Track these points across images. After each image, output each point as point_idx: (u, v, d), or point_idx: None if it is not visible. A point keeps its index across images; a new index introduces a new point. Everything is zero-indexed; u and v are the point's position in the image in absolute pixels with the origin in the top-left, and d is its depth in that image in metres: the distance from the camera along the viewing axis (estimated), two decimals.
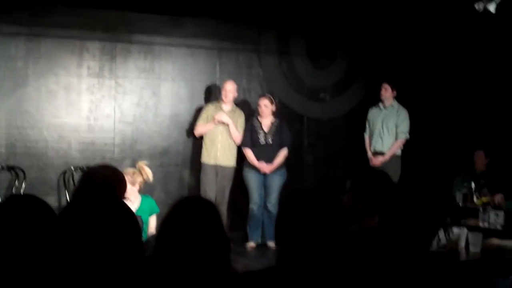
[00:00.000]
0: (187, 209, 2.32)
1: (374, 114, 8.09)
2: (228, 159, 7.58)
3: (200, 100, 8.03)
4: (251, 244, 7.55)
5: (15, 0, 7.15)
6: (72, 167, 7.33)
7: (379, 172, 3.66)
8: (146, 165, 5.58)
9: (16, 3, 7.17)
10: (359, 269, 2.93)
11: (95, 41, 7.58)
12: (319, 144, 8.63)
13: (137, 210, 5.22)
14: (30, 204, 2.14)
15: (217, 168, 7.54)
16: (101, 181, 2.61)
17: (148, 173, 5.53)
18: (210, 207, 2.61)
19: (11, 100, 7.19)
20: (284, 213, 2.14)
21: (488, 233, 5.45)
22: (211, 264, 2.42)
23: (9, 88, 7.19)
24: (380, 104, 8.05)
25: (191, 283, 2.25)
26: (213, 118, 7.54)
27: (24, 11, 7.21)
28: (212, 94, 8.05)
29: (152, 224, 5.36)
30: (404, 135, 7.88)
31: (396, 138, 7.88)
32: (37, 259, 1.98)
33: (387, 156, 7.82)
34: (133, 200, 5.26)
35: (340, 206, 2.14)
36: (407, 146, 7.94)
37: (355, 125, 8.50)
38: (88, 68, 7.54)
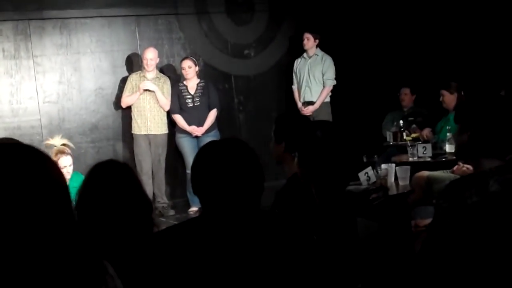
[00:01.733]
0: (101, 173, 2.30)
1: (300, 65, 8.15)
2: (159, 127, 7.52)
3: (123, 70, 7.89)
4: (193, 209, 7.56)
5: None
6: None
7: (299, 116, 3.71)
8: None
9: None
10: (283, 214, 2.98)
11: (7, 21, 7.32)
12: (250, 101, 8.64)
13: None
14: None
15: (149, 137, 7.48)
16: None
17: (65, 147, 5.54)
18: (124, 169, 2.61)
19: None
20: (199, 163, 2.14)
21: (418, 166, 5.62)
22: (132, 224, 2.42)
23: None
24: (305, 54, 8.10)
25: (115, 244, 2.25)
26: (138, 88, 7.45)
27: None
28: (134, 63, 7.92)
29: None
30: (331, 81, 7.97)
31: (324, 86, 7.96)
32: None
33: (316, 105, 7.91)
34: None
35: (253, 152, 2.14)
36: (335, 92, 8.04)
37: (283, 78, 8.55)
38: (3, 50, 7.30)
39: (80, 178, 5.40)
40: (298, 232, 2.20)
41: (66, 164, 5.64)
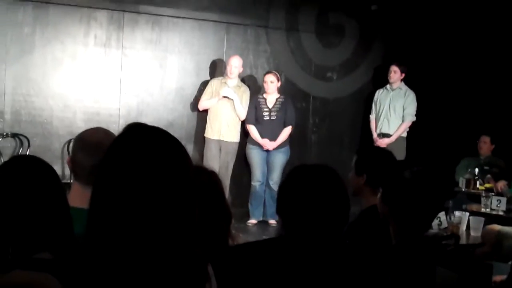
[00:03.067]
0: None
1: (381, 96, 8.08)
2: (232, 135, 7.56)
3: (206, 74, 7.99)
4: (252, 221, 7.56)
5: None
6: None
7: (383, 150, 3.67)
8: None
9: None
10: (358, 248, 2.94)
11: (103, 10, 7.52)
12: (324, 124, 8.61)
13: None
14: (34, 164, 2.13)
15: (220, 143, 7.53)
16: (94, 145, 2.57)
17: None
18: (212, 175, 2.58)
19: (17, 66, 7.15)
20: (288, 185, 2.14)
21: (490, 219, 5.45)
22: (210, 233, 2.40)
23: (15, 54, 7.14)
24: (388, 86, 8.03)
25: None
26: (218, 93, 7.51)
27: None
28: (218, 69, 8.01)
29: None
30: (411, 117, 7.88)
31: (403, 121, 7.87)
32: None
33: (393, 138, 7.84)
34: None
35: (342, 183, 2.15)
36: (412, 128, 7.93)
37: (361, 106, 8.48)
38: (95, 37, 7.49)
39: None
40: (373, 268, 2.18)
41: None
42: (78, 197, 2.45)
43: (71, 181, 2.70)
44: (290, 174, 2.20)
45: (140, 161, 1.44)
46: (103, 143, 2.56)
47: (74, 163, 2.56)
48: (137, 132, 1.50)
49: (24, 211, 2.04)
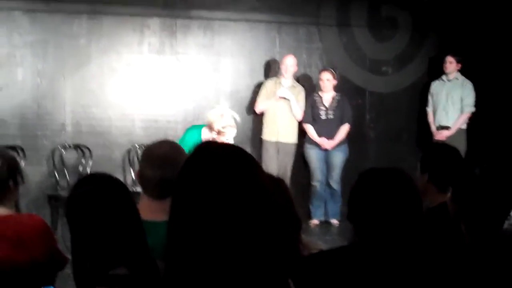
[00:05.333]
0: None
1: (437, 88, 7.93)
2: (289, 136, 7.53)
3: (260, 75, 7.99)
4: (314, 222, 7.53)
5: None
6: (136, 145, 7.41)
7: (448, 147, 3.59)
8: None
9: None
10: (431, 249, 2.88)
11: (155, 17, 7.59)
12: (381, 119, 8.49)
13: None
14: (105, 182, 2.18)
15: (278, 145, 7.50)
16: (161, 158, 2.60)
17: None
18: (280, 182, 2.57)
19: (75, 78, 7.29)
20: (359, 191, 2.14)
21: None
22: (279, 240, 2.39)
23: (72, 66, 7.29)
24: (444, 77, 7.88)
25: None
26: (274, 94, 7.48)
27: None
28: (272, 69, 7.99)
29: None
30: (470, 108, 7.72)
31: (462, 112, 7.71)
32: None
33: (452, 130, 7.69)
34: None
35: (414, 185, 2.13)
36: (472, 120, 7.75)
37: (418, 99, 8.33)
38: (149, 44, 7.57)
39: None
40: (450, 268, 2.16)
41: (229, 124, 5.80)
42: (148, 210, 2.47)
43: (135, 189, 2.75)
44: (360, 179, 2.18)
45: (214, 179, 1.50)
46: (169, 156, 2.59)
47: (142, 177, 2.59)
48: (209, 151, 1.56)
49: (100, 228, 2.07)
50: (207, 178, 1.50)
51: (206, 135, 5.82)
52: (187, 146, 5.72)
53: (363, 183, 2.16)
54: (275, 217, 2.10)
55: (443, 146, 3.76)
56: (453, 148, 3.48)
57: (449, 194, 2.94)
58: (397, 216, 2.05)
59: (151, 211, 2.50)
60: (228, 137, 5.80)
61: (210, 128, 5.77)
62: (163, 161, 2.55)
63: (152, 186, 2.55)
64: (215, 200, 1.48)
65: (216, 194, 1.48)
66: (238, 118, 6.01)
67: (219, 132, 5.74)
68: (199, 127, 5.95)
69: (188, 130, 6.01)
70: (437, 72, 8.01)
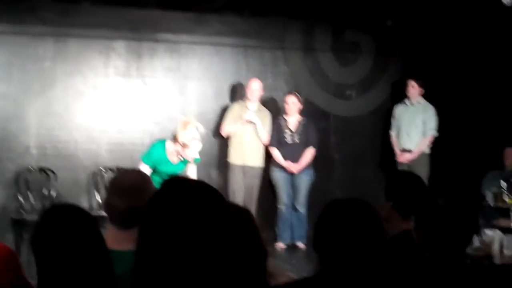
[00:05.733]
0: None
1: (400, 111, 8.06)
2: (255, 159, 7.56)
3: (226, 98, 8.03)
4: (280, 245, 7.54)
5: (42, 1, 7.18)
6: (102, 168, 7.37)
7: (411, 175, 3.66)
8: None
9: (42, 3, 7.20)
10: (397, 275, 2.93)
11: (121, 40, 7.59)
12: (346, 142, 8.58)
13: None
14: (72, 213, 2.19)
15: (245, 168, 7.52)
16: (128, 188, 2.61)
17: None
18: (244, 211, 2.59)
19: (40, 101, 7.24)
20: (324, 223, 2.20)
21: None
22: (244, 272, 2.41)
23: (37, 89, 7.23)
24: (407, 101, 8.01)
25: None
26: (240, 118, 7.52)
27: (51, 11, 7.25)
28: (238, 93, 8.04)
29: None
30: (432, 132, 7.85)
31: (424, 136, 7.83)
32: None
33: (415, 154, 7.79)
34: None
35: (377, 215, 2.20)
36: (435, 143, 7.89)
37: (382, 123, 8.45)
38: (115, 67, 7.56)
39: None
40: None
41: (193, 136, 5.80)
42: (115, 240, 2.48)
43: (100, 213, 2.76)
44: (326, 210, 2.24)
45: (181, 211, 1.57)
46: (136, 186, 2.60)
47: (108, 206, 2.59)
48: (177, 185, 1.64)
49: (66, 258, 2.08)
50: (174, 210, 1.57)
51: (170, 147, 5.83)
52: (152, 159, 5.75)
53: (327, 214, 2.22)
54: (239, 248, 2.15)
55: (407, 173, 3.83)
56: (417, 176, 3.54)
57: (412, 222, 3.01)
58: (361, 246, 2.11)
59: (118, 240, 2.50)
60: (193, 150, 5.81)
61: (175, 140, 5.78)
62: (130, 191, 2.56)
63: (119, 216, 2.55)
64: (182, 232, 1.54)
65: (183, 226, 1.55)
66: (203, 130, 6.03)
67: (183, 145, 5.74)
68: (164, 140, 5.97)
69: (153, 144, 6.02)
70: (400, 96, 8.15)
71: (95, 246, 2.14)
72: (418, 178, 3.47)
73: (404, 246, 3.12)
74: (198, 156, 5.97)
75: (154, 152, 5.84)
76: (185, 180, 1.68)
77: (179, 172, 5.93)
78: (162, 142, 5.94)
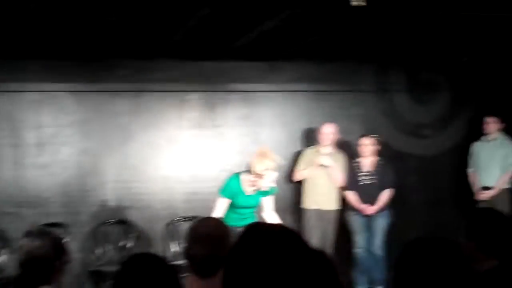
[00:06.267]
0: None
1: (478, 148, 7.89)
2: (330, 203, 7.49)
3: (299, 144, 8.03)
4: None
5: (118, 58, 7.45)
6: (177, 218, 7.47)
7: (493, 212, 3.51)
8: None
9: (119, 62, 7.47)
10: None
11: (194, 92, 7.76)
12: (424, 183, 8.40)
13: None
14: (152, 262, 2.21)
15: (319, 212, 7.46)
16: (207, 236, 2.62)
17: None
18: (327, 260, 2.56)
19: (118, 155, 7.45)
20: (406, 261, 2.11)
21: None
22: None
23: (115, 143, 7.46)
24: (484, 138, 7.82)
25: None
26: (313, 162, 7.49)
27: (126, 69, 7.50)
28: (310, 138, 8.03)
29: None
30: None
31: (504, 171, 7.61)
32: None
33: (495, 190, 7.58)
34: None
35: (463, 254, 2.10)
36: None
37: (460, 161, 8.24)
38: (189, 119, 7.71)
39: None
40: None
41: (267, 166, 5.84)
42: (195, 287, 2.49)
43: (176, 262, 2.77)
44: (407, 249, 2.15)
45: (262, 258, 1.55)
46: (215, 234, 2.62)
47: (188, 255, 2.61)
48: (258, 232, 1.59)
49: None
50: (256, 257, 1.56)
51: (245, 178, 5.85)
52: (228, 192, 5.82)
53: (410, 252, 2.12)
54: None
55: (489, 210, 3.68)
56: (499, 212, 3.40)
57: (496, 260, 2.88)
58: (447, 286, 2.01)
59: None
60: (268, 180, 5.82)
61: (250, 171, 5.81)
62: (209, 239, 2.58)
63: (199, 264, 2.57)
64: (265, 278, 1.53)
65: (266, 272, 1.53)
66: (279, 160, 6.07)
67: (258, 175, 5.76)
68: (239, 173, 6.06)
69: (229, 177, 6.08)
70: (477, 133, 7.95)
71: None
72: (500, 214, 3.33)
73: (490, 284, 2.99)
74: (274, 185, 5.96)
75: (230, 184, 5.94)
76: (265, 225, 1.67)
77: (254, 204, 5.95)
78: (237, 174, 6.05)
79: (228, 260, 1.62)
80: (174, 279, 2.18)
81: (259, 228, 1.64)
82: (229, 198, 5.88)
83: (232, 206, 5.93)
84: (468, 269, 2.08)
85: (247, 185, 5.92)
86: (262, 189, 5.93)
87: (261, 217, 6.17)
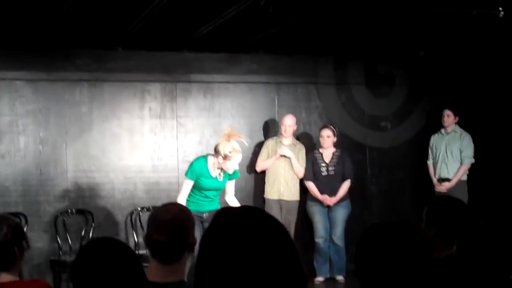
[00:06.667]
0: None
1: (437, 141, 8.01)
2: (291, 193, 7.55)
3: (260, 135, 8.06)
4: (319, 279, 7.47)
5: (77, 47, 7.37)
6: (138, 208, 7.43)
7: (453, 199, 3.58)
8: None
9: (77, 51, 7.39)
10: None
11: (155, 82, 7.72)
12: (383, 174, 8.53)
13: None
14: (113, 246, 2.20)
15: (281, 203, 7.52)
16: (168, 222, 2.62)
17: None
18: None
19: (78, 144, 7.37)
20: (367, 246, 2.12)
21: None
22: None
23: (75, 133, 7.37)
24: (443, 130, 7.96)
25: None
26: (275, 153, 7.55)
27: (86, 58, 7.42)
28: (271, 129, 8.07)
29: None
30: (469, 159, 7.77)
31: (461, 163, 7.75)
32: None
33: (453, 182, 7.72)
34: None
35: (422, 238, 2.13)
36: (472, 171, 7.79)
37: (418, 153, 8.38)
38: (150, 109, 7.67)
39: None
40: None
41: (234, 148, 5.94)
42: (157, 274, 2.49)
43: (138, 252, 2.77)
44: (366, 234, 2.17)
45: (236, 241, 1.50)
46: (177, 220, 2.62)
47: (150, 241, 2.61)
48: (229, 214, 1.58)
49: None
50: (229, 241, 1.51)
51: (211, 161, 5.89)
52: (194, 173, 5.82)
53: (369, 237, 2.14)
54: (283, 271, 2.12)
55: (448, 198, 3.75)
56: (458, 200, 3.47)
57: (455, 247, 2.96)
58: (407, 270, 2.02)
59: (159, 273, 2.52)
60: (234, 162, 5.87)
61: (217, 153, 5.83)
62: (171, 225, 2.58)
63: (161, 250, 2.57)
64: (240, 260, 1.47)
65: (241, 255, 1.49)
66: (246, 143, 6.18)
67: (225, 157, 5.81)
68: (205, 156, 6.11)
69: (194, 160, 6.13)
70: (435, 125, 8.10)
71: (135, 276, 2.15)
72: (459, 202, 3.40)
73: (448, 271, 3.06)
74: (237, 168, 6.04)
75: (196, 165, 5.98)
76: (235, 208, 1.66)
77: (220, 187, 6.00)
78: (203, 156, 6.13)
79: (201, 246, 1.61)
80: (134, 261, 2.18)
81: (229, 211, 1.63)
82: (194, 180, 5.91)
83: (197, 189, 5.96)
84: (427, 254, 2.12)
85: (213, 167, 5.95)
86: (229, 171, 5.96)
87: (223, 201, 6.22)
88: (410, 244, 2.07)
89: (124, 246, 2.27)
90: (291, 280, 1.75)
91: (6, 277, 2.74)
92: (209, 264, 1.53)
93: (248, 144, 7.92)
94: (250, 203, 7.87)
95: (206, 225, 5.80)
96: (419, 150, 8.36)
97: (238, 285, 1.47)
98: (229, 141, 5.89)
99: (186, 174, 6.05)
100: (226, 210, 1.64)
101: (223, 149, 5.85)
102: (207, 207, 6.04)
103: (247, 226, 1.53)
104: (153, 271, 2.46)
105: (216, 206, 6.12)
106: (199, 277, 1.56)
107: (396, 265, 2.02)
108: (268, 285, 1.47)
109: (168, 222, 2.61)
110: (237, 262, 1.47)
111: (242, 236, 1.52)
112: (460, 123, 7.93)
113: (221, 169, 5.98)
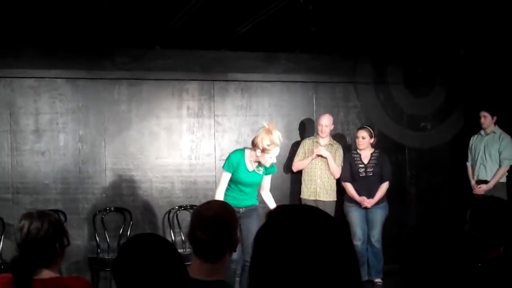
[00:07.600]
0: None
1: (476, 142, 7.88)
2: (328, 194, 7.50)
3: (297, 135, 8.03)
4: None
5: (116, 46, 7.42)
6: (176, 207, 7.46)
7: (497, 201, 3.50)
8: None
9: (117, 50, 7.44)
10: None
11: (193, 81, 7.73)
12: (422, 175, 8.41)
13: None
14: (155, 242, 2.19)
15: (317, 203, 7.44)
16: (212, 220, 2.60)
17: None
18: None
19: (116, 143, 7.42)
20: (413, 246, 2.10)
21: None
22: None
23: (113, 131, 7.43)
24: (482, 131, 7.82)
25: None
26: (311, 153, 7.49)
27: (126, 57, 7.47)
28: (308, 129, 8.02)
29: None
30: (508, 161, 7.63)
31: (500, 165, 7.61)
32: None
33: (490, 184, 7.59)
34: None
35: (467, 238, 2.08)
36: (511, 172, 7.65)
37: (458, 154, 8.24)
38: (188, 108, 7.69)
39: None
40: None
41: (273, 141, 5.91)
42: (198, 271, 2.48)
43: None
44: (414, 233, 2.14)
45: (292, 240, 1.45)
46: (220, 218, 2.60)
47: (193, 239, 2.59)
48: (284, 214, 1.53)
49: (148, 286, 2.07)
50: (288, 240, 1.46)
51: (248, 154, 5.91)
52: (232, 165, 5.81)
53: (417, 236, 2.10)
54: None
55: (493, 199, 3.65)
56: (503, 201, 3.39)
57: (501, 249, 2.89)
58: (454, 271, 2.00)
59: (201, 272, 2.51)
60: (272, 155, 5.84)
61: (255, 146, 5.80)
62: (214, 223, 2.56)
63: (204, 248, 2.55)
64: (297, 261, 1.43)
65: (298, 252, 1.45)
66: (281, 138, 6.12)
67: (263, 150, 5.79)
68: (242, 149, 6.12)
69: (231, 152, 6.13)
70: (476, 126, 7.95)
71: (177, 272, 2.13)
72: (504, 203, 3.32)
73: (496, 273, 2.98)
74: (275, 162, 6.06)
75: (233, 157, 5.99)
76: (292, 206, 1.61)
77: (257, 181, 6.02)
78: (241, 149, 6.13)
79: (258, 243, 1.56)
80: (177, 258, 2.16)
81: (288, 208, 1.58)
82: (231, 172, 5.90)
83: (234, 184, 5.95)
84: (475, 255, 2.08)
85: (250, 161, 5.94)
86: (266, 164, 5.93)
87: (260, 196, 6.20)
88: (458, 245, 2.03)
89: (166, 242, 2.26)
90: (348, 284, 1.69)
91: (47, 274, 2.75)
92: (266, 262, 1.49)
93: (285, 144, 7.93)
94: (286, 203, 7.82)
95: (242, 220, 5.83)
96: (459, 151, 8.22)
97: (294, 285, 1.42)
98: (268, 134, 5.86)
99: (223, 166, 6.05)
100: (285, 208, 1.58)
101: (261, 142, 5.82)
102: (244, 202, 6.03)
103: (309, 224, 1.48)
104: (194, 269, 2.44)
105: (253, 202, 6.12)
106: (255, 274, 1.52)
107: (443, 266, 2.00)
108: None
109: (211, 219, 2.60)
110: (295, 262, 1.43)
111: (302, 235, 1.47)
112: (501, 124, 7.77)
113: (258, 162, 5.95)
